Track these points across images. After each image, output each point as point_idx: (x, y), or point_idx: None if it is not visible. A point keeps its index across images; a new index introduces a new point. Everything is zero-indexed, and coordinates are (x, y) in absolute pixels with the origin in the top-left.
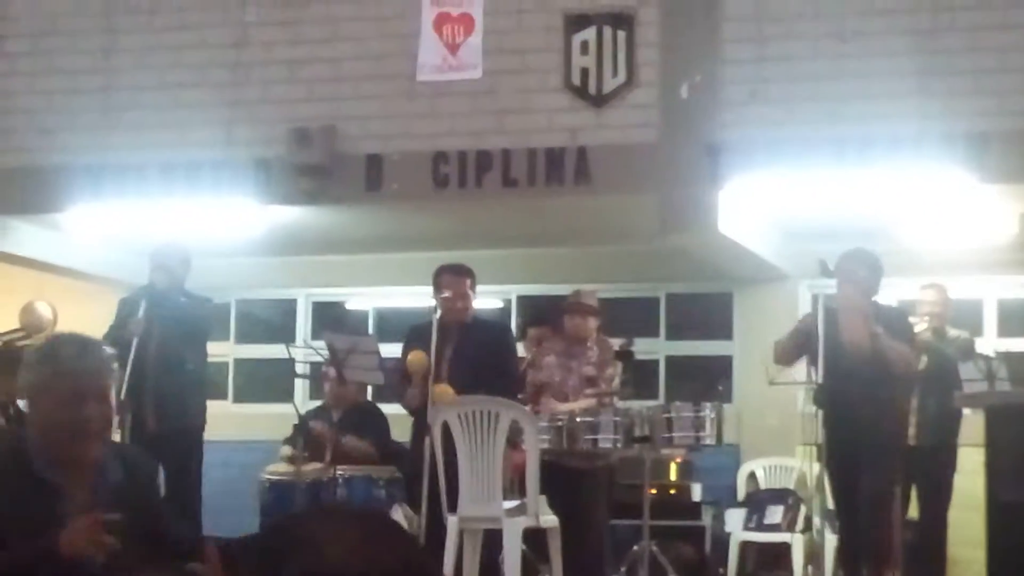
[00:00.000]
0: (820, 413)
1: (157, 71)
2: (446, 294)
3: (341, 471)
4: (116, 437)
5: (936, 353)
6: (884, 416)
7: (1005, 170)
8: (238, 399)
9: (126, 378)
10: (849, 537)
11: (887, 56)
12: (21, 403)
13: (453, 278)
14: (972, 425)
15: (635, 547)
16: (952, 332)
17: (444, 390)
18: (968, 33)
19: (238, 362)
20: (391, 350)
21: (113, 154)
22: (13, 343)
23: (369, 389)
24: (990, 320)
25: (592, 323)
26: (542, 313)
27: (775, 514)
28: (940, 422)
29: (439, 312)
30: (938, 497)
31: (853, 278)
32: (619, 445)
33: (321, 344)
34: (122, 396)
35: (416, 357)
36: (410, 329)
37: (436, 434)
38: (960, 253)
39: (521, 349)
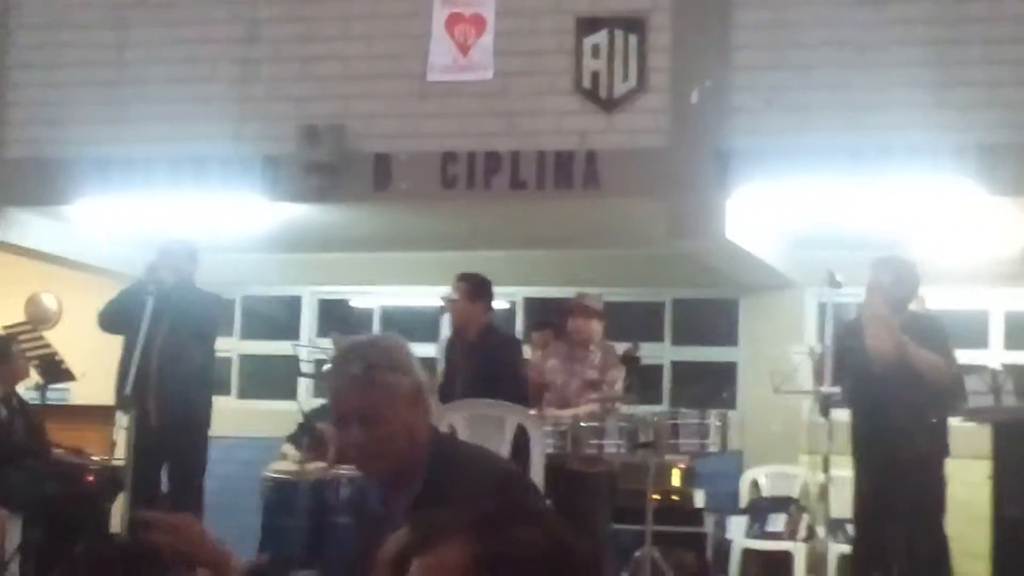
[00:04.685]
0: (851, 421)
1: (167, 65)
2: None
3: (344, 471)
4: (121, 432)
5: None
6: (918, 425)
7: (1016, 183)
8: (242, 395)
9: (132, 372)
10: (866, 546)
11: (901, 66)
12: (21, 392)
13: (453, 283)
14: (976, 437)
15: (637, 553)
16: None
17: None
18: (984, 45)
19: (243, 358)
20: None
21: (121, 147)
22: (15, 335)
23: None
24: (996, 332)
25: (595, 325)
26: (546, 316)
27: (777, 522)
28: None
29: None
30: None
31: (878, 286)
32: (623, 451)
33: (327, 342)
34: (127, 391)
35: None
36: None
37: None
38: (968, 264)
39: (526, 351)
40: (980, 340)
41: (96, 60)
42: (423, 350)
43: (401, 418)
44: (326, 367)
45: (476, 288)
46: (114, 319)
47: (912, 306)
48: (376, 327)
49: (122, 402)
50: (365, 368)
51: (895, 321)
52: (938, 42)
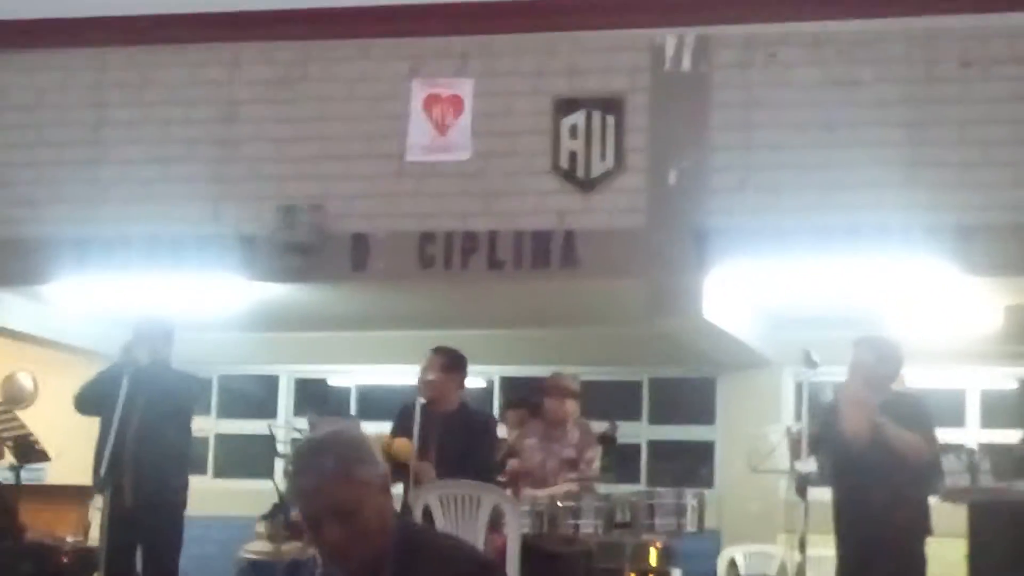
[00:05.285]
0: (833, 499)
1: (145, 145)
2: (421, 373)
3: None
4: (96, 512)
5: None
6: (899, 503)
7: (990, 263)
8: (218, 474)
9: (107, 453)
10: None
11: (874, 146)
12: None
13: (428, 356)
14: (953, 516)
15: None
16: None
17: (402, 445)
18: (955, 126)
19: (219, 437)
20: (372, 428)
21: (99, 227)
22: None
23: None
24: (973, 411)
25: (570, 405)
26: (522, 395)
27: None
28: None
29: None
30: None
31: (860, 366)
32: (600, 531)
33: (303, 422)
34: (102, 472)
35: (402, 445)
36: (401, 408)
37: (418, 516)
38: (944, 344)
39: (502, 431)
40: (956, 419)
41: (74, 140)
42: None
43: (375, 508)
44: (290, 469)
45: (451, 361)
46: (91, 401)
47: (893, 385)
48: (353, 406)
49: (99, 483)
50: (336, 462)
51: (873, 403)
52: (911, 123)
